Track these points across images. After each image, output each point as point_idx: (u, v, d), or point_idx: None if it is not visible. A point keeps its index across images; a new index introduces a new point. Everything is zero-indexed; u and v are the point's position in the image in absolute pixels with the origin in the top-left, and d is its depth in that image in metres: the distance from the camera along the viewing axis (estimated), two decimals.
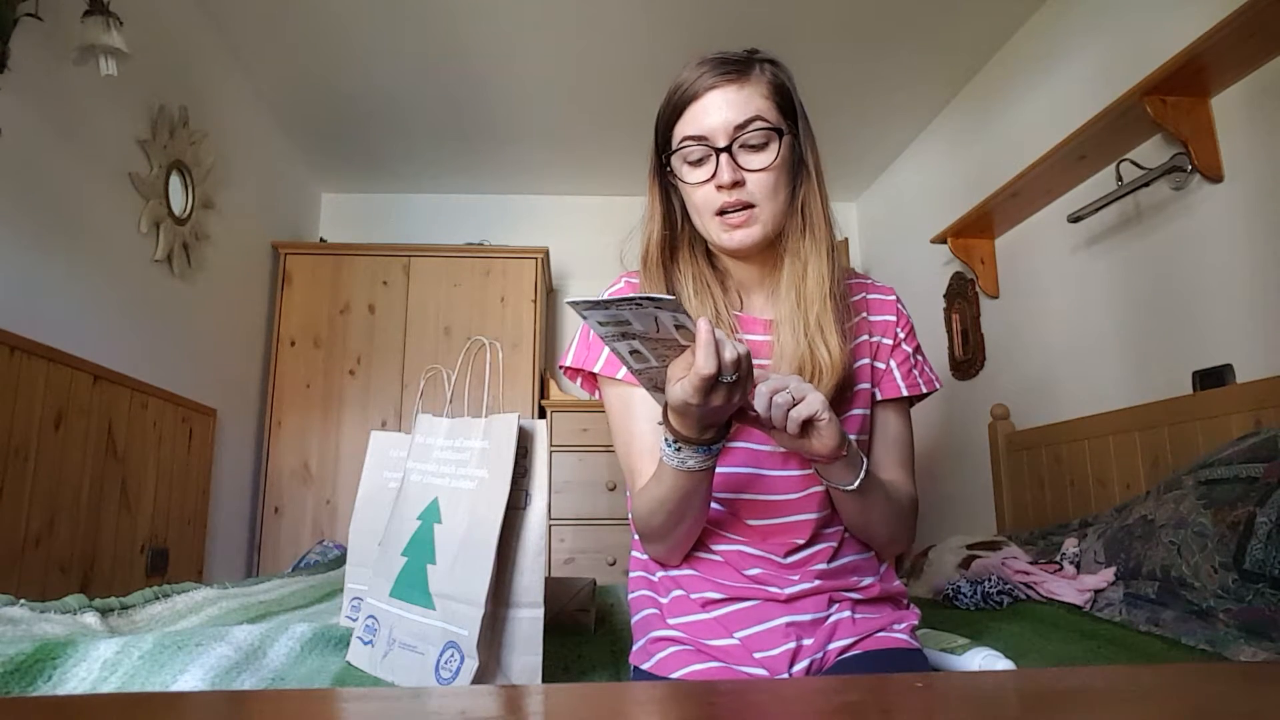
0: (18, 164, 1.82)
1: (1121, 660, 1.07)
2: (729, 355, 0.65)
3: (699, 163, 0.86)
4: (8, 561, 1.73)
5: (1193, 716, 0.16)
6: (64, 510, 1.92)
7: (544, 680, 0.63)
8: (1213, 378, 1.84)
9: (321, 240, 3.81)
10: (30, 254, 1.87)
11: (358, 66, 2.93)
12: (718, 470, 0.86)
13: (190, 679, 0.57)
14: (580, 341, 0.95)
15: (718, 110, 0.84)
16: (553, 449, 3.36)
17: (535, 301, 3.45)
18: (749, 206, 0.85)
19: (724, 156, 0.83)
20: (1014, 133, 2.73)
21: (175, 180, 2.49)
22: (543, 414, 3.41)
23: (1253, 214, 1.78)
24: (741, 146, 0.84)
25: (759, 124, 0.84)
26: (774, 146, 0.85)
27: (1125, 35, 2.19)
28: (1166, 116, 1.87)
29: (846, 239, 4.00)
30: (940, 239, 2.92)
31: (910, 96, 3.16)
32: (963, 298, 3.03)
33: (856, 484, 0.80)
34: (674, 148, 0.87)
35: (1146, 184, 2.01)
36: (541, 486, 0.87)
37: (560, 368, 0.95)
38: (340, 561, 2.38)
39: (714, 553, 0.88)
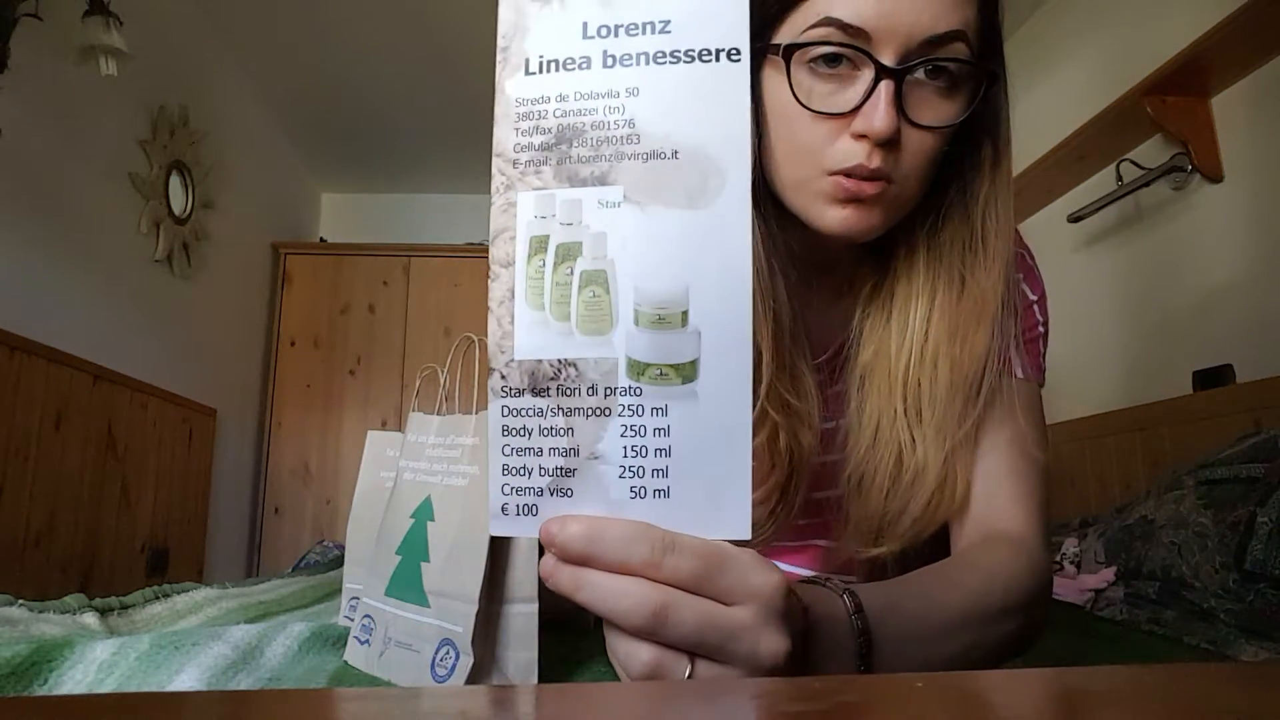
0: (18, 164, 1.82)
1: (1122, 660, 1.06)
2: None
3: (835, 75, 0.49)
4: (8, 561, 1.73)
5: (1193, 716, 0.16)
6: (64, 510, 1.92)
7: (541, 676, 0.63)
8: (1213, 378, 1.84)
9: (321, 240, 3.82)
10: (30, 254, 1.87)
11: (358, 66, 2.93)
12: None
13: (187, 679, 0.57)
14: None
15: None
16: None
17: None
18: (884, 179, 0.50)
19: (887, 86, 0.48)
20: (1014, 133, 2.72)
21: (175, 180, 2.49)
22: None
23: (1253, 214, 1.78)
24: (919, 79, 0.49)
25: (959, 48, 0.49)
26: (964, 95, 0.51)
27: (1125, 35, 2.19)
28: (1166, 116, 1.87)
29: None
30: None
31: None
32: None
33: None
34: (800, 37, 0.49)
35: (1146, 184, 2.01)
36: None
37: None
38: (340, 562, 2.37)
39: None
